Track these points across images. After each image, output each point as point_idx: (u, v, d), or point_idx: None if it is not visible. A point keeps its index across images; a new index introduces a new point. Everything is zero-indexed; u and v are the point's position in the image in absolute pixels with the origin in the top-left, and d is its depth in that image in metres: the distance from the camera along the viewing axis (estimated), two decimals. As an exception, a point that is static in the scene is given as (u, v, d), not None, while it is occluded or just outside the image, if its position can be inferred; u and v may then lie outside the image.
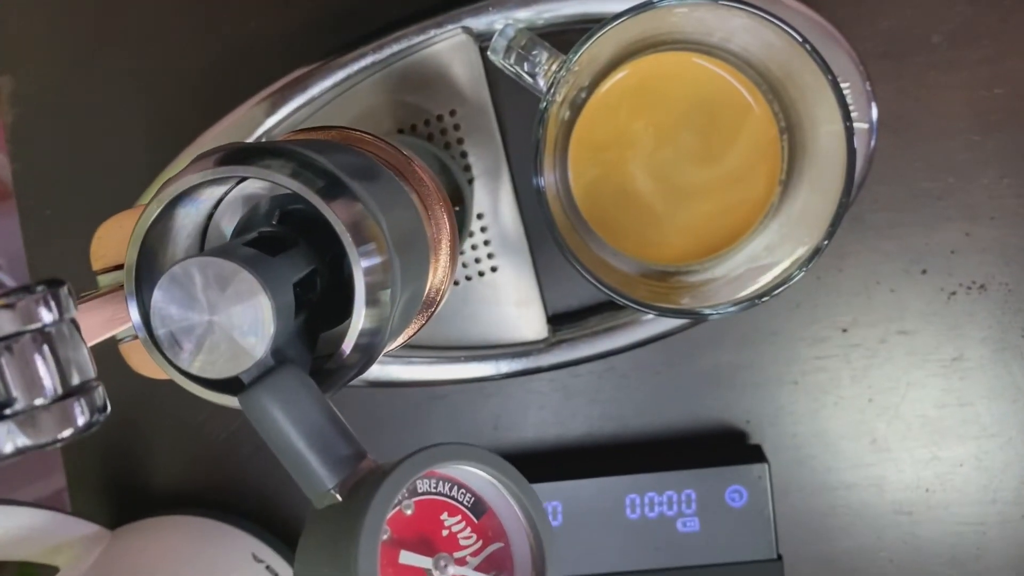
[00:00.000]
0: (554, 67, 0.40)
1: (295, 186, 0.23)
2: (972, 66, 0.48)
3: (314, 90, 0.48)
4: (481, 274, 0.49)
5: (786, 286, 0.40)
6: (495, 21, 0.46)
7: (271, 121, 0.47)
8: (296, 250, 0.25)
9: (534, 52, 0.40)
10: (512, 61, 0.41)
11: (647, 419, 0.51)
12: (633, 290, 0.43)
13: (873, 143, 0.48)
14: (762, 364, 0.50)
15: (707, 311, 0.40)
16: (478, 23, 0.47)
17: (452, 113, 0.48)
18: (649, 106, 0.45)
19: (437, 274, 0.34)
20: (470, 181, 0.48)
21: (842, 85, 0.47)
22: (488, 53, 0.41)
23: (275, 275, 0.23)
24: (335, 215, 0.23)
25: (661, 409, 0.51)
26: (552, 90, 0.39)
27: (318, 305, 0.27)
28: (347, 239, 0.23)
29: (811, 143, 0.43)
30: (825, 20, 0.46)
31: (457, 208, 0.47)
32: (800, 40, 0.38)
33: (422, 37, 0.46)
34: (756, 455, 0.49)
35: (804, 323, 0.50)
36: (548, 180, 0.43)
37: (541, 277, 0.49)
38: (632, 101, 0.46)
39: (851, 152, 0.39)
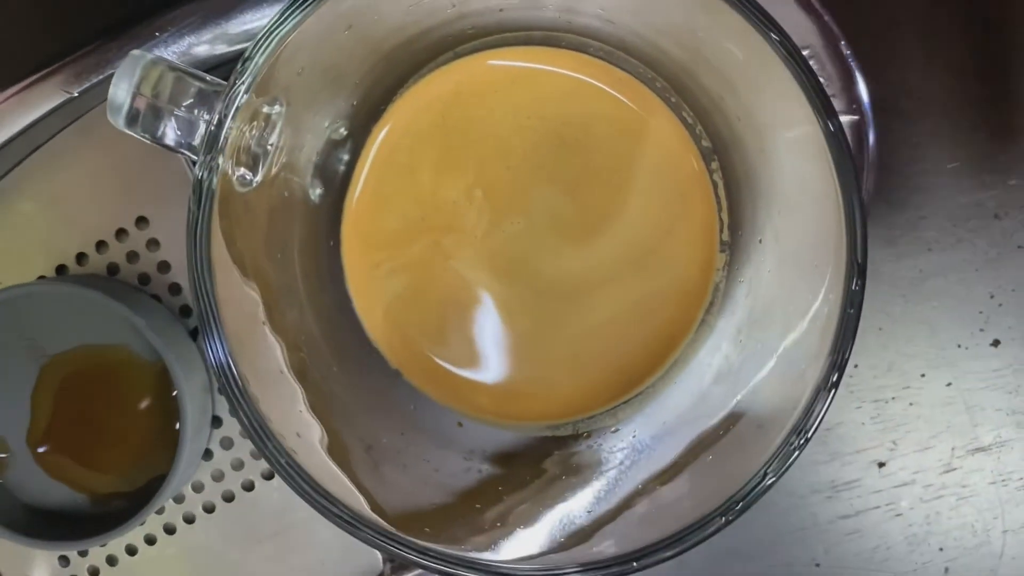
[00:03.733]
0: (219, 112, 0.20)
1: None
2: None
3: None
4: (249, 487, 0.29)
5: (770, 482, 0.19)
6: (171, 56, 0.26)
7: None
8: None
9: (186, 101, 0.20)
10: (141, 128, 0.20)
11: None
12: (467, 511, 0.23)
13: (872, 141, 0.28)
14: (758, 544, 0.32)
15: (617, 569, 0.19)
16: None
17: (141, 223, 0.28)
18: (468, 154, 0.26)
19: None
20: (194, 332, 0.28)
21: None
22: (109, 117, 0.21)
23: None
24: None
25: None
26: (213, 153, 0.19)
27: None
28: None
29: (764, 169, 0.23)
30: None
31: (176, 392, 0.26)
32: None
33: (48, 104, 0.26)
34: None
35: (816, 464, 0.30)
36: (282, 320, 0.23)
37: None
38: (437, 150, 0.26)
39: (846, 173, 0.19)
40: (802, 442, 0.20)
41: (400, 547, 0.20)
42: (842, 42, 0.27)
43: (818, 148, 0.19)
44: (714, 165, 0.25)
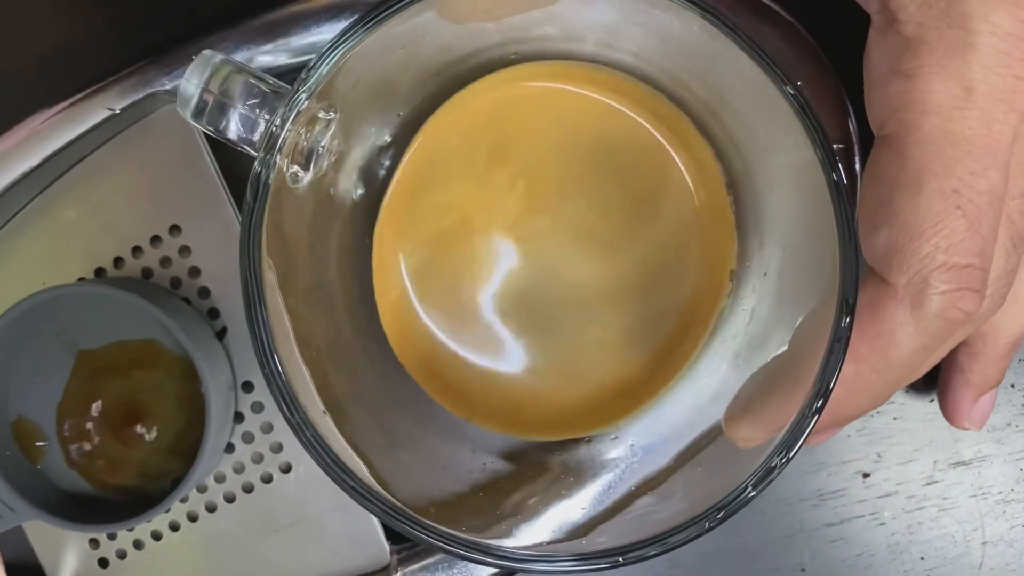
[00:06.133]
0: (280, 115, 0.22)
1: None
2: None
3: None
4: (267, 480, 0.30)
5: (751, 495, 0.21)
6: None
7: None
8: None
9: (250, 100, 0.22)
10: (206, 120, 0.22)
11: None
12: (475, 504, 0.25)
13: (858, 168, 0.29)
14: (747, 548, 0.33)
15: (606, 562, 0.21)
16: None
17: (174, 231, 0.30)
18: (512, 145, 0.27)
19: None
20: (220, 333, 0.29)
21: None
22: (179, 109, 0.22)
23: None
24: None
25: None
26: (272, 151, 0.21)
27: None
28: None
29: (774, 208, 0.25)
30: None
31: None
32: (714, 18, 0.19)
33: (92, 120, 0.29)
34: None
35: (801, 473, 0.33)
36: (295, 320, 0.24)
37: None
38: (471, 159, 0.28)
39: (844, 222, 0.21)
40: (784, 461, 0.21)
41: (406, 522, 0.22)
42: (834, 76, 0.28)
43: (821, 194, 0.21)
44: (729, 199, 0.26)
